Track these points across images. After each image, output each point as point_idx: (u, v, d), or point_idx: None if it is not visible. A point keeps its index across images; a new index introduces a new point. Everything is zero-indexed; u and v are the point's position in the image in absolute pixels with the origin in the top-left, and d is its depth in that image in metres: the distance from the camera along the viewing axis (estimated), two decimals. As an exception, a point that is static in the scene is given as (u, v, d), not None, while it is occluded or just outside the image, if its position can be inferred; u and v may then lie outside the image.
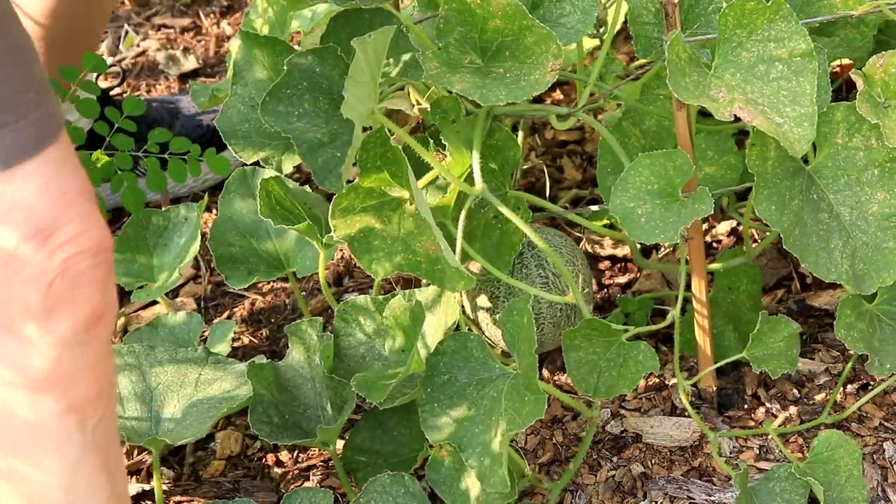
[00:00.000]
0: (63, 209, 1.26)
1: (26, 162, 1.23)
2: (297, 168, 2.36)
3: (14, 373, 1.28)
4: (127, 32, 2.87)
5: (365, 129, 1.62)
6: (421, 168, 1.75)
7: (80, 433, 1.34)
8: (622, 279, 2.22)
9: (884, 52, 1.70)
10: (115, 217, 2.39)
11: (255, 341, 2.18)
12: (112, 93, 2.46)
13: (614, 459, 1.94)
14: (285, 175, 1.88)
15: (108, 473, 1.39)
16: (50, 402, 1.31)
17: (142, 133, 2.26)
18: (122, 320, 2.17)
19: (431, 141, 1.83)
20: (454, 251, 1.76)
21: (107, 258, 1.30)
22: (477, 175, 1.72)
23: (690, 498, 1.87)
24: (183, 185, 2.41)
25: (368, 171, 1.60)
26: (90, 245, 1.28)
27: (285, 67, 1.62)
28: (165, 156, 2.18)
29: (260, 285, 2.27)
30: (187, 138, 2.20)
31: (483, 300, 1.94)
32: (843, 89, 2.25)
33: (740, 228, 2.21)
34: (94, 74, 2.26)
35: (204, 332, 2.11)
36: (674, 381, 2.02)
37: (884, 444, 1.93)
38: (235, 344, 2.15)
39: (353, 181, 1.64)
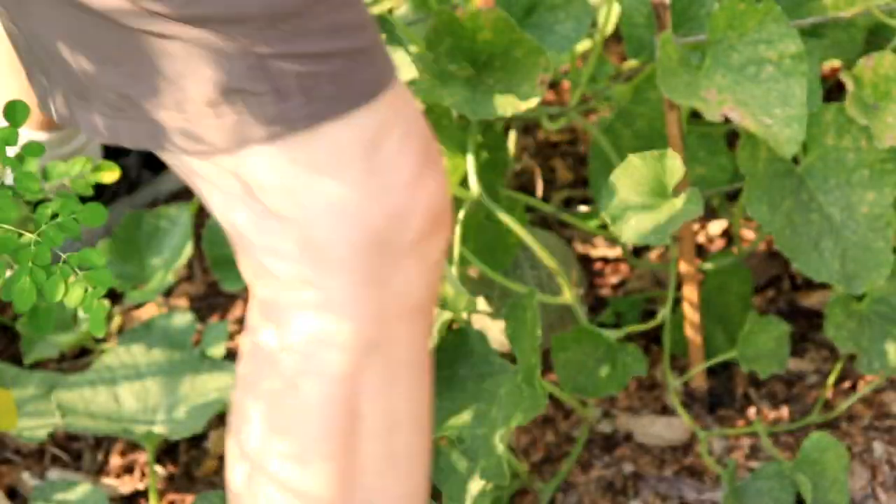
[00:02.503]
0: (428, 130, 1.30)
1: (400, 84, 1.27)
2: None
3: (406, 297, 1.30)
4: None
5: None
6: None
7: (427, 359, 1.36)
8: (614, 279, 2.22)
9: (873, 54, 1.71)
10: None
11: (249, 341, 2.18)
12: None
13: (605, 459, 1.94)
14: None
15: None
16: (425, 324, 1.33)
17: None
18: (117, 320, 2.18)
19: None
20: (451, 255, 1.77)
21: None
22: (472, 180, 1.73)
23: (681, 497, 1.88)
24: None
25: None
26: (444, 165, 1.32)
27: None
28: None
29: (254, 285, 2.27)
30: None
31: (478, 301, 1.95)
32: (833, 91, 2.26)
33: (732, 229, 2.21)
34: None
35: (198, 332, 2.11)
36: (665, 380, 2.02)
37: (873, 443, 1.93)
38: (230, 344, 2.15)
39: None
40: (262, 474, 1.34)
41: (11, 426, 1.65)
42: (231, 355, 2.15)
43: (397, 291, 1.28)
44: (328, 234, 1.26)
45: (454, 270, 1.75)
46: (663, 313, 1.84)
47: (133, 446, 2.02)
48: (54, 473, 2.00)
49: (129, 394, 1.90)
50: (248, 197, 1.26)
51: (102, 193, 2.15)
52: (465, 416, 1.71)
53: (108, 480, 2.00)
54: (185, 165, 1.28)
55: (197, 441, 2.03)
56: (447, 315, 1.77)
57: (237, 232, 1.30)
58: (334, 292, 1.27)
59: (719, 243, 2.25)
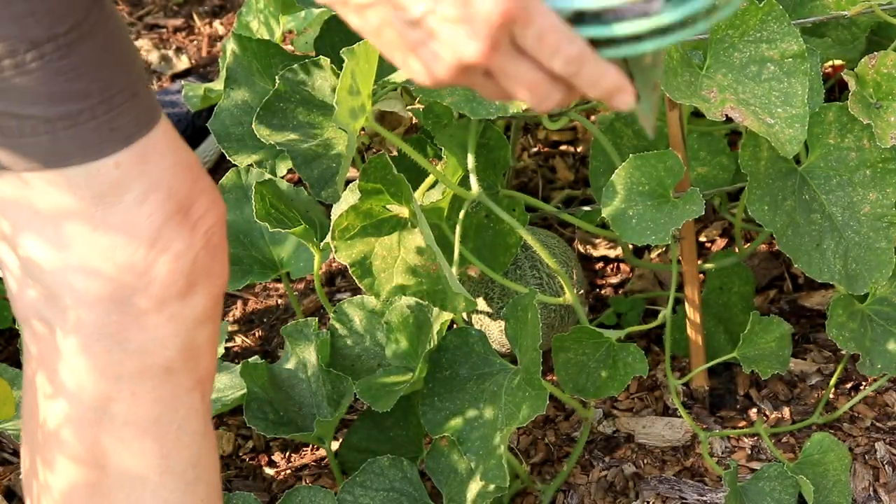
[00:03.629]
0: (194, 180, 1.26)
1: (150, 134, 1.22)
2: (291, 169, 2.37)
3: (150, 355, 1.27)
4: (119, 32, 2.86)
5: (363, 131, 1.62)
6: (416, 171, 1.75)
7: (203, 406, 1.34)
8: (615, 279, 2.22)
9: (875, 53, 1.70)
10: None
11: (248, 342, 2.18)
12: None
13: (606, 459, 1.94)
14: (279, 177, 1.88)
15: (216, 445, 1.39)
16: (181, 380, 1.30)
17: None
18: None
19: (429, 141, 1.84)
20: (451, 255, 1.76)
21: (226, 229, 1.31)
22: (473, 179, 1.73)
23: (682, 498, 1.87)
24: None
25: (369, 194, 1.60)
26: (220, 216, 1.28)
27: (278, 81, 1.62)
28: None
29: (252, 285, 2.27)
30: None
31: (478, 301, 1.95)
32: (835, 90, 2.26)
33: (733, 229, 2.21)
34: None
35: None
36: (666, 380, 2.02)
37: (875, 444, 1.93)
38: (229, 344, 2.15)
39: (353, 180, 1.64)
40: None
41: (8, 415, 1.64)
42: (231, 355, 2.14)
43: (139, 349, 1.26)
44: (59, 284, 1.23)
45: (454, 270, 1.75)
46: (664, 313, 1.83)
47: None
48: (53, 474, 1.99)
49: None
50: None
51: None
52: (465, 417, 1.71)
53: (107, 481, 1.99)
54: None
55: (196, 442, 2.03)
56: (447, 315, 1.76)
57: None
58: (68, 343, 1.25)
59: (720, 243, 2.25)
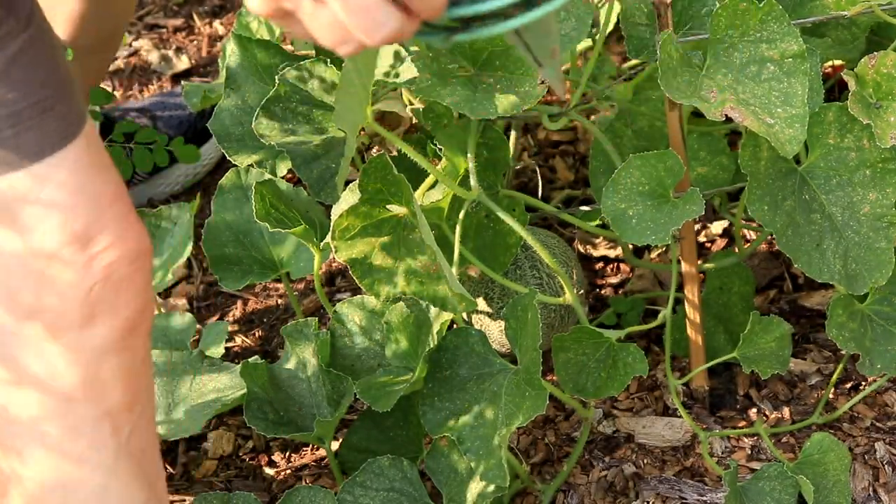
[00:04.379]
0: (99, 213, 1.23)
1: (53, 158, 1.19)
2: (291, 169, 2.37)
3: (47, 382, 1.26)
4: (119, 32, 2.87)
5: (363, 131, 1.62)
6: (416, 171, 1.75)
7: (113, 440, 1.32)
8: (615, 279, 2.22)
9: (875, 53, 1.70)
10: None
11: (248, 342, 2.18)
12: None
13: (606, 459, 1.94)
14: (279, 177, 1.88)
15: (144, 482, 1.36)
16: (83, 411, 1.28)
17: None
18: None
19: (429, 141, 1.84)
20: (451, 255, 1.76)
21: (145, 263, 1.27)
22: (473, 179, 1.72)
23: (682, 498, 1.87)
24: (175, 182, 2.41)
25: (369, 194, 1.60)
26: (128, 251, 1.25)
27: (277, 81, 1.61)
28: (131, 144, 2.19)
29: (252, 285, 2.27)
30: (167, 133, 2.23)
31: (478, 301, 1.95)
32: (835, 90, 2.25)
33: (733, 229, 2.21)
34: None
35: (197, 332, 2.11)
36: (666, 380, 2.02)
37: (875, 444, 1.93)
38: (229, 344, 2.15)
39: (353, 180, 1.64)
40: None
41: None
42: (231, 355, 2.14)
43: (36, 375, 1.25)
44: None
45: (454, 270, 1.75)
46: (664, 313, 1.83)
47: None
48: (53, 474, 1.99)
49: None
50: None
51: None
52: (465, 417, 1.71)
53: (107, 481, 1.99)
54: None
55: (195, 442, 2.03)
56: (447, 315, 1.76)
57: None
58: None
59: (720, 243, 2.24)
